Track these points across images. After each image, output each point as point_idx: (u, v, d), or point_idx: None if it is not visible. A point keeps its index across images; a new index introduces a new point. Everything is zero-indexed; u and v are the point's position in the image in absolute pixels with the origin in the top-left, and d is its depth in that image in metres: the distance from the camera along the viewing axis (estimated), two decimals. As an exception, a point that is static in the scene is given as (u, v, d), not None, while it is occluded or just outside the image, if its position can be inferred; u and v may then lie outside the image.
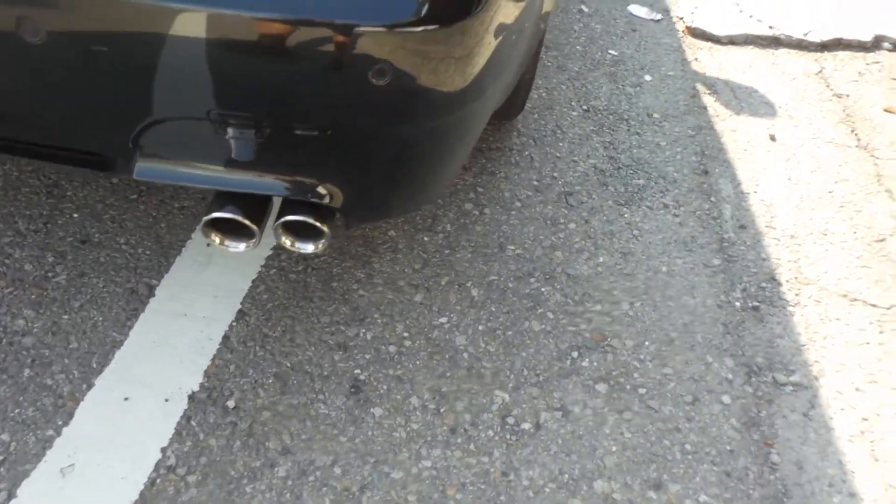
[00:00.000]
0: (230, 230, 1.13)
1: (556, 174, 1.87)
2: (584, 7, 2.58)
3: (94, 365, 1.27)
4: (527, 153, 1.92)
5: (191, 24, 0.87)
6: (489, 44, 1.04)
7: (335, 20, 0.88)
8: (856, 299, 1.60)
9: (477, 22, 0.97)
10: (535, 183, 1.84)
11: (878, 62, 2.33)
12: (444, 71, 0.99)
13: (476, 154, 1.89)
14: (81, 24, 0.90)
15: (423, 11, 0.90)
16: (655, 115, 2.12)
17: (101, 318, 1.35)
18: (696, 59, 2.38)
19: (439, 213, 1.70)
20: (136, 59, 0.92)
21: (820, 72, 2.31)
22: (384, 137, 1.04)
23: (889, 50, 2.37)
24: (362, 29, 0.89)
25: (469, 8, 0.94)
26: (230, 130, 0.99)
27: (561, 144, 1.97)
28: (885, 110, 2.13)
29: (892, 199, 1.84)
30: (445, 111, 1.06)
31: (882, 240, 1.73)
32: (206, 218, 1.08)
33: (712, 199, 1.85)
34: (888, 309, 1.57)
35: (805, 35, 2.44)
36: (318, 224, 1.10)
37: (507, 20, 1.08)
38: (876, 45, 2.38)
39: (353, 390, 1.31)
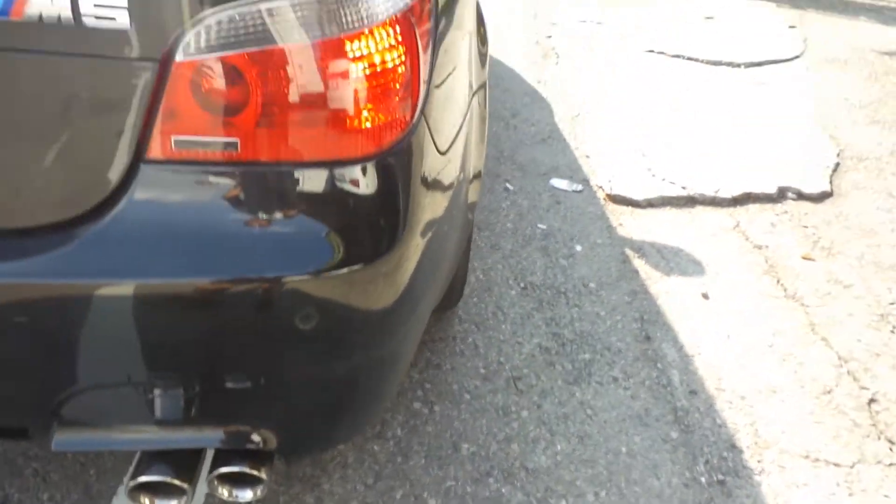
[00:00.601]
0: (159, 488, 1.05)
1: (502, 359, 1.86)
2: (509, 185, 2.72)
3: None
4: (470, 340, 1.92)
5: (111, 295, 0.85)
6: (417, 261, 1.05)
7: (253, 275, 0.87)
8: (818, 459, 1.57)
9: (401, 250, 0.98)
10: (482, 371, 1.82)
11: (786, 212, 2.49)
12: (373, 300, 0.98)
13: (420, 347, 1.87)
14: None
15: (345, 254, 0.91)
16: (591, 285, 2.17)
17: None
18: (620, 225, 2.49)
19: (388, 417, 1.64)
20: (50, 332, 0.89)
21: (736, 226, 2.44)
22: (319, 378, 1.00)
23: (794, 199, 2.54)
24: (284, 280, 0.88)
25: (393, 240, 0.95)
26: (156, 391, 0.94)
27: (503, 326, 1.98)
28: (803, 257, 2.24)
29: (830, 347, 1.88)
30: (380, 338, 1.05)
31: (829, 391, 1.74)
32: (131, 483, 1.00)
33: (659, 365, 1.85)
34: (851, 467, 1.54)
35: (716, 192, 2.60)
36: (254, 472, 1.03)
37: (433, 230, 1.10)
38: (781, 195, 2.56)
39: None
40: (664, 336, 1.95)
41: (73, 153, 0.78)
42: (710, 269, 2.23)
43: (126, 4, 0.71)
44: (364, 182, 0.88)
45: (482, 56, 1.75)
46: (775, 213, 2.50)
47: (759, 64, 3.83)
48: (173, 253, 0.82)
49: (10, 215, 0.81)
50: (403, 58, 0.87)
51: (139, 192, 0.81)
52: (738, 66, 3.82)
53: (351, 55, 0.81)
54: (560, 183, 2.75)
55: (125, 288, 0.82)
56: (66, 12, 0.70)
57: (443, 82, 1.09)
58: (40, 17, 0.70)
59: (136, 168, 0.80)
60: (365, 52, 0.82)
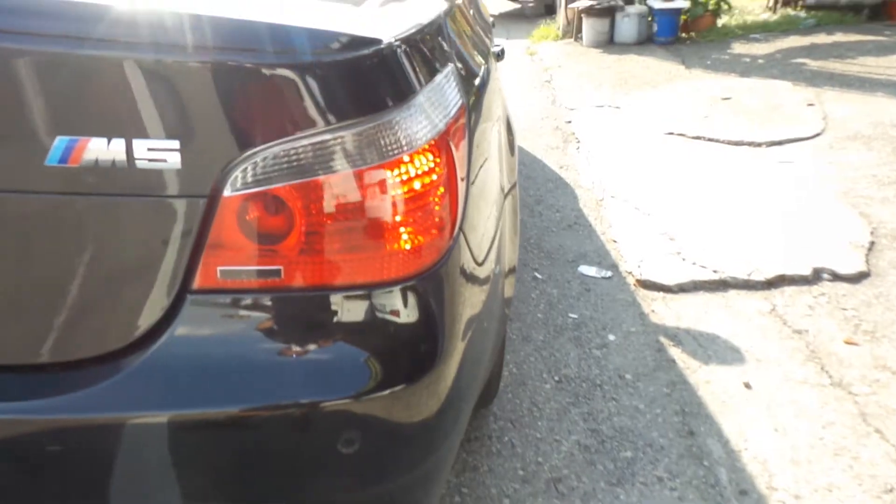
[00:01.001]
0: None
1: (540, 458, 1.80)
2: (537, 274, 2.71)
3: None
4: (507, 439, 1.86)
5: (154, 425, 0.84)
6: (458, 370, 1.03)
7: (296, 400, 0.85)
8: (886, 567, 1.47)
9: (443, 366, 0.96)
10: (521, 472, 1.76)
11: (823, 294, 2.44)
12: (416, 414, 0.96)
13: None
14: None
15: (387, 376, 0.89)
16: (627, 376, 2.11)
17: None
18: (653, 311, 2.45)
19: (425, 527, 1.58)
20: (88, 464, 0.87)
21: (773, 309, 2.39)
22: (361, 500, 0.97)
23: (830, 280, 2.49)
24: (326, 403, 0.86)
25: (434, 359, 0.93)
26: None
27: (540, 423, 1.92)
28: (846, 342, 2.17)
29: (885, 440, 1.79)
30: (425, 451, 1.02)
31: (891, 490, 1.65)
32: None
33: (705, 463, 1.77)
34: (924, 577, 1.44)
35: (749, 275, 2.57)
36: None
37: (472, 334, 1.07)
38: (817, 277, 2.51)
39: None
40: (708, 430, 1.88)
41: (122, 287, 0.79)
42: (749, 357, 2.17)
43: (178, 146, 0.73)
44: (405, 304, 0.88)
45: (511, 146, 1.78)
46: (812, 295, 2.45)
47: (781, 143, 3.86)
48: (219, 380, 0.82)
49: (57, 349, 0.81)
50: (442, 180, 0.88)
51: (185, 321, 0.81)
52: (760, 145, 3.85)
53: (391, 182, 0.82)
54: (589, 270, 2.74)
55: (169, 418, 0.81)
56: (121, 156, 0.73)
57: (476, 177, 1.10)
58: (96, 162, 0.72)
59: (182, 298, 0.80)
60: (405, 177, 0.83)
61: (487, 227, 1.20)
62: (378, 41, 0.82)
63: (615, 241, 2.97)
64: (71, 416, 0.79)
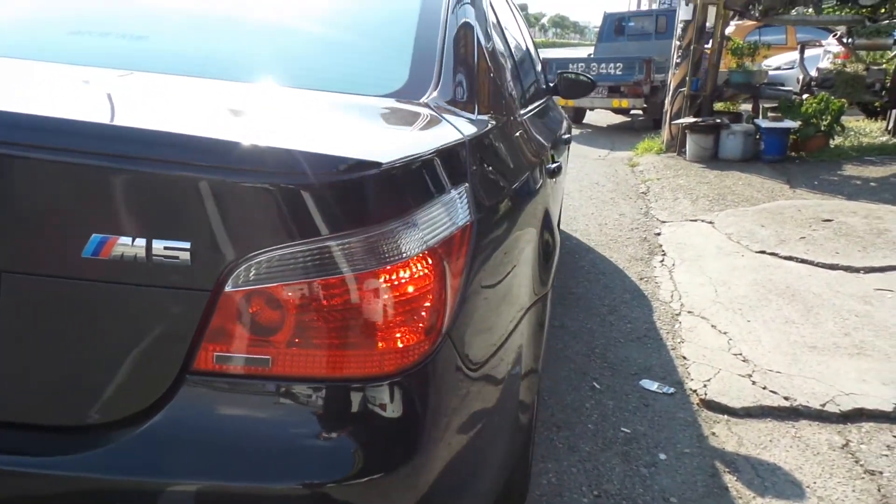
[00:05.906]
0: None
1: (564, 576, 1.75)
2: (596, 384, 2.69)
3: None
4: (534, 550, 1.84)
5: (151, 493, 0.94)
6: (442, 468, 1.05)
7: (270, 483, 0.92)
8: None
9: (424, 460, 1.00)
10: (542, 587, 1.72)
11: (904, 434, 2.26)
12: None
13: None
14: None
15: (366, 464, 0.95)
16: (672, 500, 2.03)
17: None
18: (713, 434, 2.35)
19: None
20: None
21: (846, 445, 2.24)
22: None
23: (914, 420, 2.31)
24: (300, 490, 0.93)
25: (411, 451, 0.97)
26: None
27: (571, 539, 1.88)
28: (923, 490, 1.99)
29: None
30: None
31: None
32: None
33: None
34: None
35: (823, 406, 2.42)
36: None
37: (461, 434, 1.11)
38: (898, 415, 2.34)
39: None
40: (751, 569, 1.77)
41: (132, 363, 0.93)
42: (810, 494, 2.03)
43: (189, 246, 0.89)
44: (385, 398, 0.96)
45: (547, 257, 1.82)
46: (893, 434, 2.27)
47: (882, 269, 3.65)
48: (207, 456, 0.93)
49: (71, 413, 0.96)
50: (432, 287, 0.98)
51: (182, 399, 0.94)
52: (857, 270, 3.67)
53: (382, 286, 0.93)
54: (651, 384, 2.69)
55: (159, 486, 0.93)
56: (142, 252, 0.89)
57: (485, 286, 1.18)
58: (122, 256, 0.89)
59: (181, 378, 0.94)
60: (395, 283, 0.94)
61: (496, 332, 1.27)
62: (375, 164, 0.95)
63: (684, 358, 2.90)
64: (77, 475, 0.93)
